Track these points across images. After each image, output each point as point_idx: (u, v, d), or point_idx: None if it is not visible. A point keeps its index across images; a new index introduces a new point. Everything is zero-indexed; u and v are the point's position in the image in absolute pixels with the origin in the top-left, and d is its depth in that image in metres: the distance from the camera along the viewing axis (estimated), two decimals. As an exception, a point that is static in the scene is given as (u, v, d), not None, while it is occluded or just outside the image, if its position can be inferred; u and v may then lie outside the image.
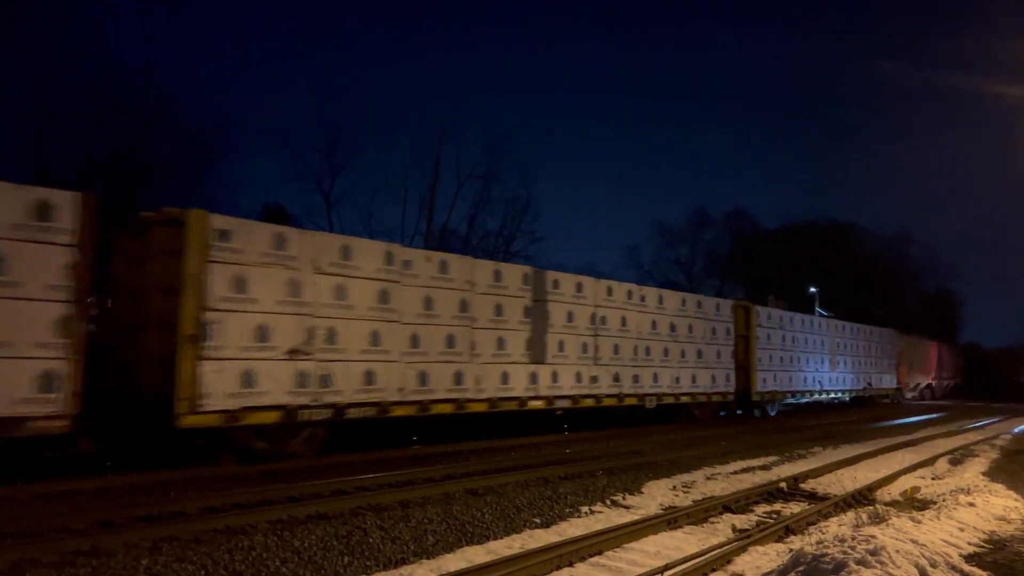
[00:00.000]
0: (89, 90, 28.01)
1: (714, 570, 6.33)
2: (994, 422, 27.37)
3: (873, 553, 5.41)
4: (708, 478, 11.22)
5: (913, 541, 6.15)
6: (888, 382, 34.48)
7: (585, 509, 8.67)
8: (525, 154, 63.47)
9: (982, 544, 7.20)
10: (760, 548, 7.03)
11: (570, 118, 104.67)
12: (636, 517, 8.19)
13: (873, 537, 5.77)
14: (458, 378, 13.29)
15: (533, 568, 6.01)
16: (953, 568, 5.90)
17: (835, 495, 9.91)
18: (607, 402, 16.73)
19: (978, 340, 66.52)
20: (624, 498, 9.41)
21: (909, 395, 40.93)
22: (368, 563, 6.28)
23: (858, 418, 25.97)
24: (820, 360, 26.84)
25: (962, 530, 7.53)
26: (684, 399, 19.46)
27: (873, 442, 17.26)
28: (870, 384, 31.68)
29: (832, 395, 28.26)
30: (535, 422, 15.78)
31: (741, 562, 6.58)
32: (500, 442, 14.17)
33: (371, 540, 6.83)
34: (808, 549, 5.68)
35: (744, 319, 22.43)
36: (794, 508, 9.18)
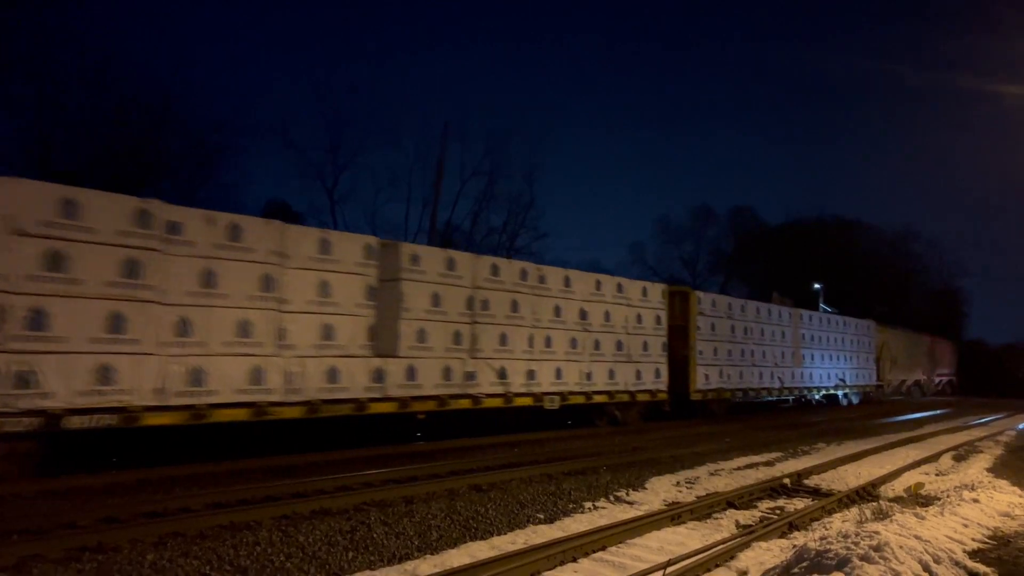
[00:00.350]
0: (94, 87, 28.09)
1: (717, 566, 6.33)
2: (999, 418, 27.32)
3: (877, 549, 5.41)
4: (712, 474, 11.23)
5: (917, 537, 6.15)
6: (866, 378, 31.00)
7: (589, 505, 8.68)
8: (529, 151, 63.47)
9: (986, 540, 7.19)
10: (764, 544, 7.03)
11: (574, 115, 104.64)
12: (639, 513, 8.20)
13: (877, 533, 5.76)
14: (256, 375, 10.48)
15: (537, 564, 6.02)
16: (957, 564, 5.90)
17: (839, 491, 9.91)
18: (489, 403, 13.77)
19: (984, 337, 66.35)
20: (627, 494, 9.42)
21: (892, 392, 37.54)
22: (372, 558, 6.29)
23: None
24: (781, 354, 23.88)
25: (966, 526, 7.52)
26: (599, 398, 16.42)
27: (877, 438, 17.24)
28: (843, 381, 28.52)
29: (797, 393, 25.33)
30: (384, 429, 12.98)
31: (745, 558, 6.58)
32: (504, 438, 14.19)
33: (375, 536, 6.85)
34: (812, 545, 5.68)
35: (682, 307, 19.70)
36: (798, 504, 9.18)
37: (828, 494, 9.79)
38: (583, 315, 16.12)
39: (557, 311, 15.49)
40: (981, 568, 6.04)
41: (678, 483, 10.35)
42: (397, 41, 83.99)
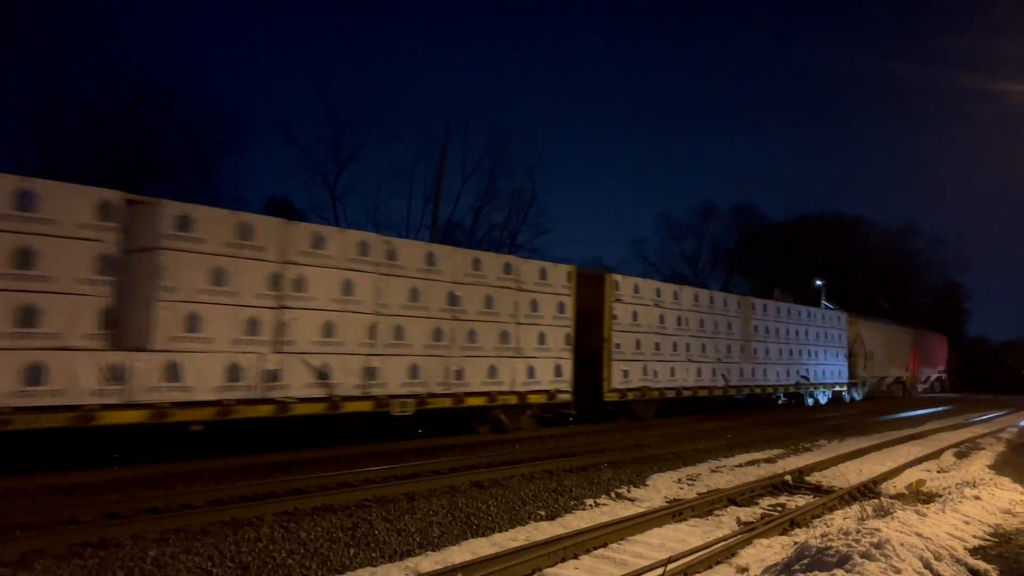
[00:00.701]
0: (96, 85, 28.15)
1: (719, 563, 6.34)
2: (1000, 415, 27.31)
3: (878, 546, 5.41)
4: (713, 471, 11.23)
5: (918, 534, 6.15)
6: (834, 375, 27.54)
7: (590, 502, 8.69)
8: (531, 147, 63.49)
9: (987, 537, 7.19)
10: (765, 541, 7.03)
11: (576, 111, 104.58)
12: (641, 510, 8.20)
13: (878, 530, 5.77)
14: None
15: (538, 560, 6.03)
16: (958, 561, 5.90)
17: (840, 488, 9.92)
18: (303, 409, 10.73)
19: (985, 333, 66.32)
20: (629, 491, 9.42)
21: (870, 391, 33.33)
22: (374, 555, 6.31)
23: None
24: (727, 348, 20.75)
25: (967, 523, 7.52)
26: (474, 401, 13.31)
27: (879, 435, 17.24)
28: (805, 378, 25.07)
29: (748, 392, 22.29)
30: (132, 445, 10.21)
31: (746, 555, 6.59)
32: (507, 435, 14.20)
33: (377, 532, 6.87)
34: (813, 542, 5.68)
35: (596, 293, 16.74)
36: (799, 501, 9.18)
37: (829, 491, 9.80)
38: (453, 300, 12.97)
39: (414, 294, 12.34)
40: (982, 565, 6.04)
41: (679, 480, 10.36)
42: (399, 38, 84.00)
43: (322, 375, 10.97)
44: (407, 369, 12.18)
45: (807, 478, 10.82)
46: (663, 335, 18.27)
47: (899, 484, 10.61)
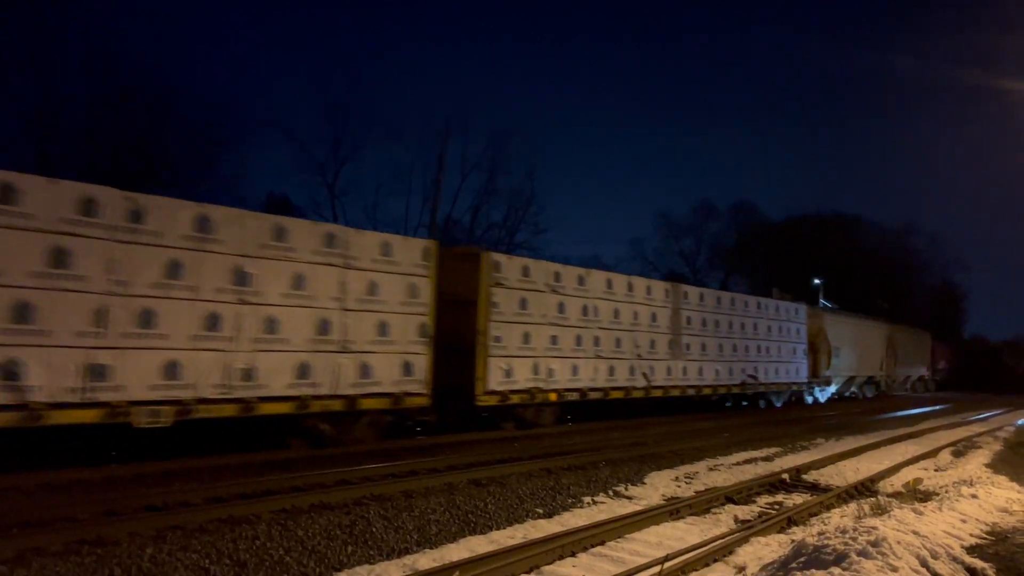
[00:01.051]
0: (94, 82, 28.07)
1: (716, 560, 6.35)
2: (998, 414, 27.37)
3: (874, 544, 5.42)
4: (711, 469, 11.24)
5: (915, 532, 6.16)
6: (792, 374, 24.56)
7: (588, 499, 8.70)
8: (530, 146, 63.38)
9: (984, 536, 7.20)
10: (762, 539, 7.04)
11: (575, 110, 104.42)
12: (638, 508, 8.22)
13: (875, 528, 5.77)
14: None
15: (536, 558, 6.04)
16: (954, 560, 5.91)
17: (837, 486, 9.93)
18: None
19: (984, 333, 66.48)
20: (627, 489, 9.43)
21: (838, 391, 30.47)
22: (371, 552, 6.31)
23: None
24: (650, 342, 17.78)
25: (964, 522, 7.53)
26: (276, 408, 10.51)
27: (876, 434, 17.27)
28: (753, 377, 22.12)
29: (678, 392, 18.87)
30: None
31: (743, 553, 6.60)
32: (507, 433, 14.20)
33: (374, 530, 6.87)
34: (810, 540, 5.69)
35: (469, 275, 13.92)
36: (796, 499, 9.20)
37: (827, 489, 9.81)
38: (240, 278, 10.19)
39: (175, 269, 9.55)
40: (979, 564, 6.04)
41: (677, 478, 10.37)
42: (399, 37, 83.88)
43: (8, 374, 8.21)
44: (161, 366, 9.37)
45: (804, 476, 10.84)
46: (563, 327, 15.42)
47: (896, 482, 10.63)
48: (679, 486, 9.83)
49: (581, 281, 16.10)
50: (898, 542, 5.56)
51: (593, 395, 16.15)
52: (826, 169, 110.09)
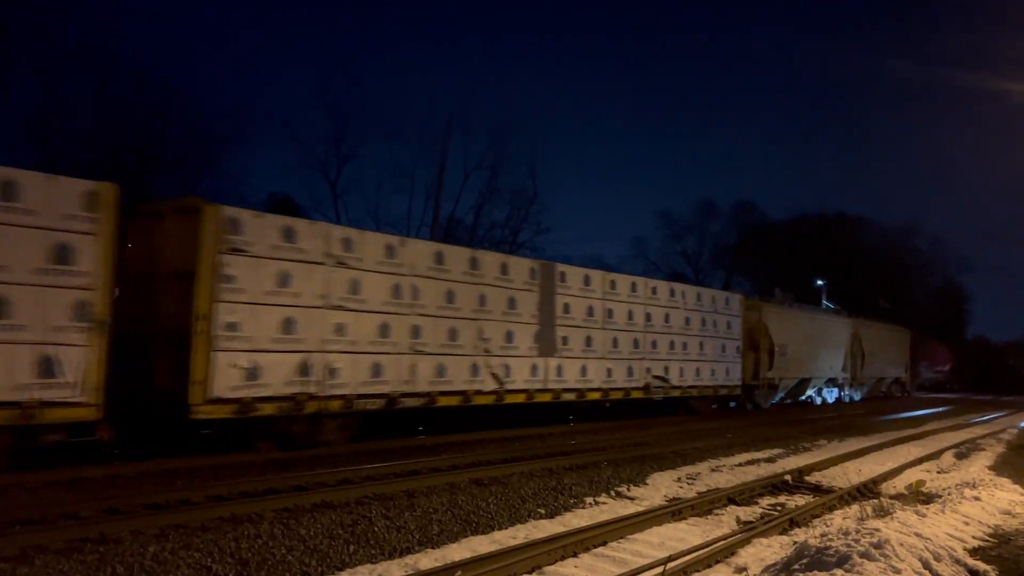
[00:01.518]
0: (97, 80, 28.10)
1: (718, 562, 6.34)
2: (1001, 416, 27.32)
3: (877, 546, 5.41)
4: (713, 470, 11.23)
5: (917, 534, 6.15)
6: (717, 376, 20.82)
7: (590, 500, 8.69)
8: (532, 145, 63.20)
9: (987, 538, 7.19)
10: (764, 540, 7.03)
11: (577, 109, 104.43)
12: (640, 508, 8.21)
13: (877, 530, 5.76)
14: None
15: (538, 558, 6.03)
16: (957, 562, 5.90)
17: (840, 488, 9.92)
18: None
19: (987, 334, 66.29)
20: (629, 489, 9.43)
21: (772, 397, 24.88)
22: (373, 552, 6.31)
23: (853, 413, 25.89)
24: (505, 334, 14.22)
25: (967, 524, 7.52)
26: None
27: (879, 435, 17.24)
28: (663, 379, 18.49)
29: (546, 397, 15.18)
30: None
31: (745, 554, 6.59)
32: (507, 432, 14.19)
33: (376, 529, 6.87)
34: (812, 542, 5.68)
35: (188, 237, 10.21)
36: (799, 501, 9.18)
37: (829, 491, 9.80)
38: None
39: None
40: (981, 566, 6.04)
41: (679, 479, 10.36)
42: (400, 36, 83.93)
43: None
44: None
45: (807, 478, 10.82)
46: (358, 312, 11.71)
47: (899, 484, 10.61)
48: (681, 487, 9.82)
49: (391, 252, 12.29)
50: (900, 544, 5.56)
51: (409, 402, 12.41)
52: (828, 169, 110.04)
